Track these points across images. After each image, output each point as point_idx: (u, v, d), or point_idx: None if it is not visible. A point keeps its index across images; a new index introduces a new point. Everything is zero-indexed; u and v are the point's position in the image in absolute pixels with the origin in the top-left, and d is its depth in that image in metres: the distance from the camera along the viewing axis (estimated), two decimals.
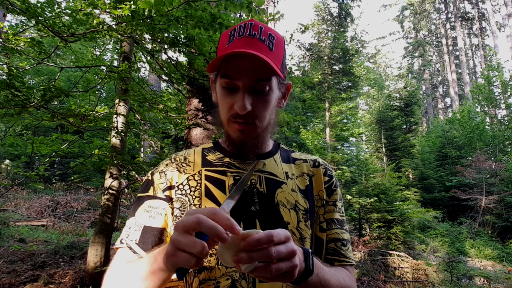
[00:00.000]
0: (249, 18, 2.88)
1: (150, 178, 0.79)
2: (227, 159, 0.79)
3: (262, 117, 0.73)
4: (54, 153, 4.15)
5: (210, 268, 0.66)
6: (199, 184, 0.75)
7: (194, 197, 0.73)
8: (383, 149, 13.13)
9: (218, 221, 0.47)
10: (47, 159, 4.23)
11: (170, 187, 0.75)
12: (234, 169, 0.77)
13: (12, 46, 2.82)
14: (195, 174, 0.77)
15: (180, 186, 0.75)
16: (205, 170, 0.77)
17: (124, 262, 0.68)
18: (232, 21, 2.63)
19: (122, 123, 3.78)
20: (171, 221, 0.73)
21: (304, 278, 0.57)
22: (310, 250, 0.59)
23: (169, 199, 0.74)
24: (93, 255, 3.54)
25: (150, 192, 0.76)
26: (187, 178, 0.76)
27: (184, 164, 0.79)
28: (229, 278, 0.65)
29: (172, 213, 0.73)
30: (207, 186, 0.74)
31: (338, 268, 0.75)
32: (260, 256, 0.47)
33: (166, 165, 0.80)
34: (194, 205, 0.71)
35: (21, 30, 3.07)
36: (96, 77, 4.36)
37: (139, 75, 5.63)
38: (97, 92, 5.32)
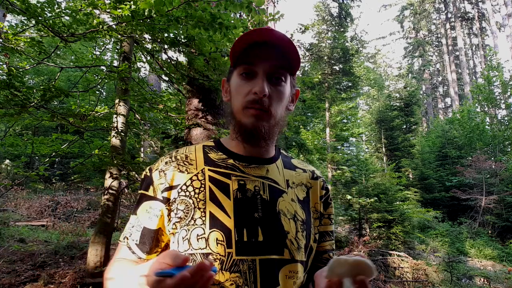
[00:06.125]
0: (249, 18, 2.89)
1: (149, 175, 0.78)
2: (231, 161, 0.78)
3: (276, 108, 0.74)
4: (54, 153, 4.15)
5: None
6: (203, 186, 0.73)
7: (198, 199, 0.72)
8: (383, 149, 13.14)
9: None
10: (47, 159, 4.24)
11: (170, 188, 0.74)
12: (238, 173, 0.76)
13: (12, 46, 2.82)
14: (198, 173, 0.75)
15: (184, 187, 0.73)
16: (209, 169, 0.76)
17: (125, 260, 0.75)
18: (232, 21, 2.63)
19: (122, 123, 3.78)
20: (166, 222, 0.73)
21: None
22: None
23: (167, 201, 0.73)
24: (93, 255, 3.53)
25: (150, 192, 0.76)
26: (191, 179, 0.74)
27: (186, 163, 0.77)
28: (233, 283, 0.66)
29: (169, 215, 0.73)
30: (211, 189, 0.73)
31: None
32: None
33: (166, 163, 0.78)
34: (199, 208, 0.71)
35: (21, 30, 3.07)
36: (96, 77, 4.37)
37: (139, 75, 5.62)
38: (97, 92, 5.32)
